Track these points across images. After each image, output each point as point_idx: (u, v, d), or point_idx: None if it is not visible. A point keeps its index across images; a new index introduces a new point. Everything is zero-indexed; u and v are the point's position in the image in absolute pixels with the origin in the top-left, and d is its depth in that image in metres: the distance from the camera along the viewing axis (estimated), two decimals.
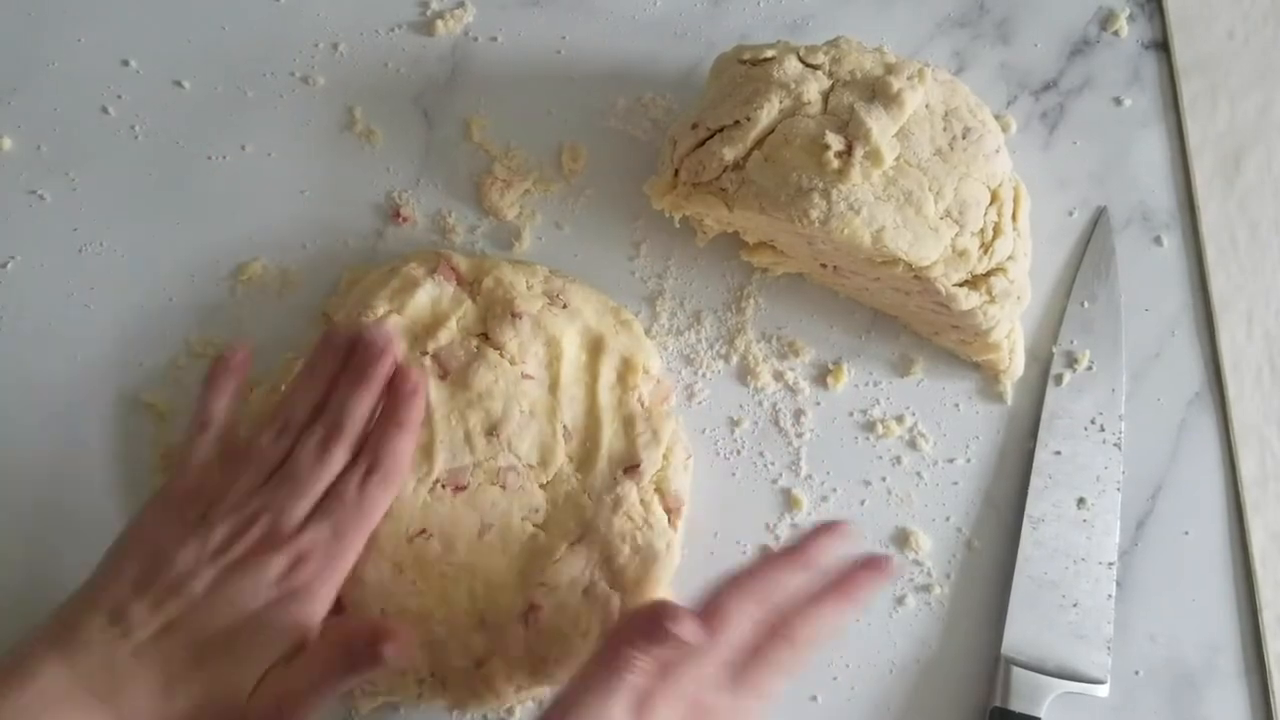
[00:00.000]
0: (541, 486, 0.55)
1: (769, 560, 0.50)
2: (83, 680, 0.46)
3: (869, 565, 0.50)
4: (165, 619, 0.47)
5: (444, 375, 0.56)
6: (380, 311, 0.56)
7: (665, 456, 0.56)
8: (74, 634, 0.47)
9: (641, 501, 0.55)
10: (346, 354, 0.52)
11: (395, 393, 0.52)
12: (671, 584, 0.55)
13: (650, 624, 0.46)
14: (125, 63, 0.62)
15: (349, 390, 0.51)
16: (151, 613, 0.47)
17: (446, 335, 0.56)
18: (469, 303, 0.57)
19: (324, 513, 0.49)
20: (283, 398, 0.53)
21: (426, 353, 0.56)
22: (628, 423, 0.56)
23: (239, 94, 0.62)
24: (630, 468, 0.55)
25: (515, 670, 0.53)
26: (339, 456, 0.50)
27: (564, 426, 0.56)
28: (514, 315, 0.56)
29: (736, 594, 0.48)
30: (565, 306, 0.57)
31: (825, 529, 0.50)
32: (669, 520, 0.55)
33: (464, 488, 0.54)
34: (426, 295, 0.57)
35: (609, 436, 0.56)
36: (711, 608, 0.47)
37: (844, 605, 0.49)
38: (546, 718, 0.46)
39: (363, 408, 0.51)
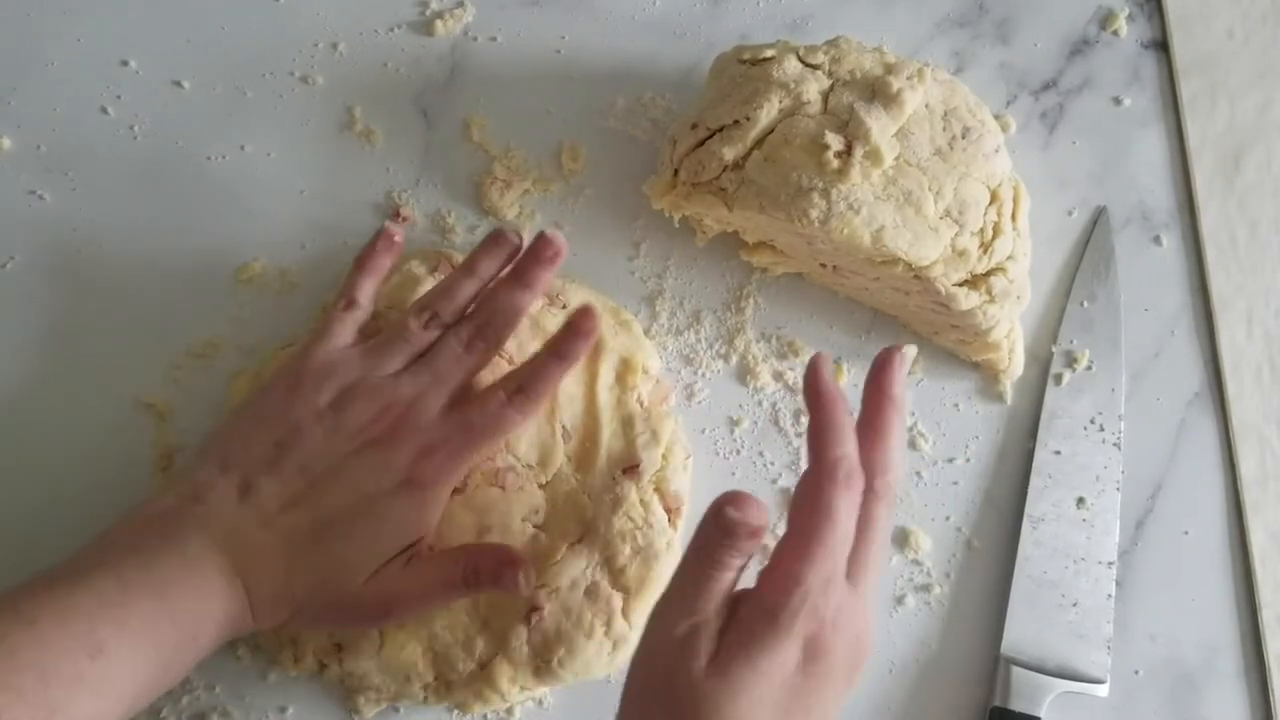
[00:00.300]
0: (541, 487, 0.55)
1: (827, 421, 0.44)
2: (219, 546, 0.46)
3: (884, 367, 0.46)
4: (293, 494, 0.47)
5: None
6: (380, 303, 0.56)
7: (664, 457, 0.56)
8: (206, 506, 0.47)
9: (641, 501, 0.55)
10: (512, 255, 0.53)
11: (569, 326, 0.52)
12: None
13: (718, 523, 0.42)
14: (125, 63, 0.62)
15: (509, 291, 0.52)
16: (281, 487, 0.47)
17: None
18: None
19: (461, 413, 0.50)
20: (436, 288, 0.53)
21: None
22: (626, 423, 0.56)
23: (238, 94, 0.62)
24: (629, 468, 0.55)
25: (519, 671, 0.53)
26: (484, 355, 0.51)
27: (563, 427, 0.56)
28: None
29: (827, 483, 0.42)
30: (564, 306, 0.57)
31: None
32: (669, 520, 0.55)
33: (460, 490, 0.54)
34: (424, 289, 0.56)
35: (608, 437, 0.56)
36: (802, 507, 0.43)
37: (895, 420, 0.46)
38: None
39: (519, 311, 0.52)
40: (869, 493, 0.44)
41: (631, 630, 0.53)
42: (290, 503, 0.47)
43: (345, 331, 0.52)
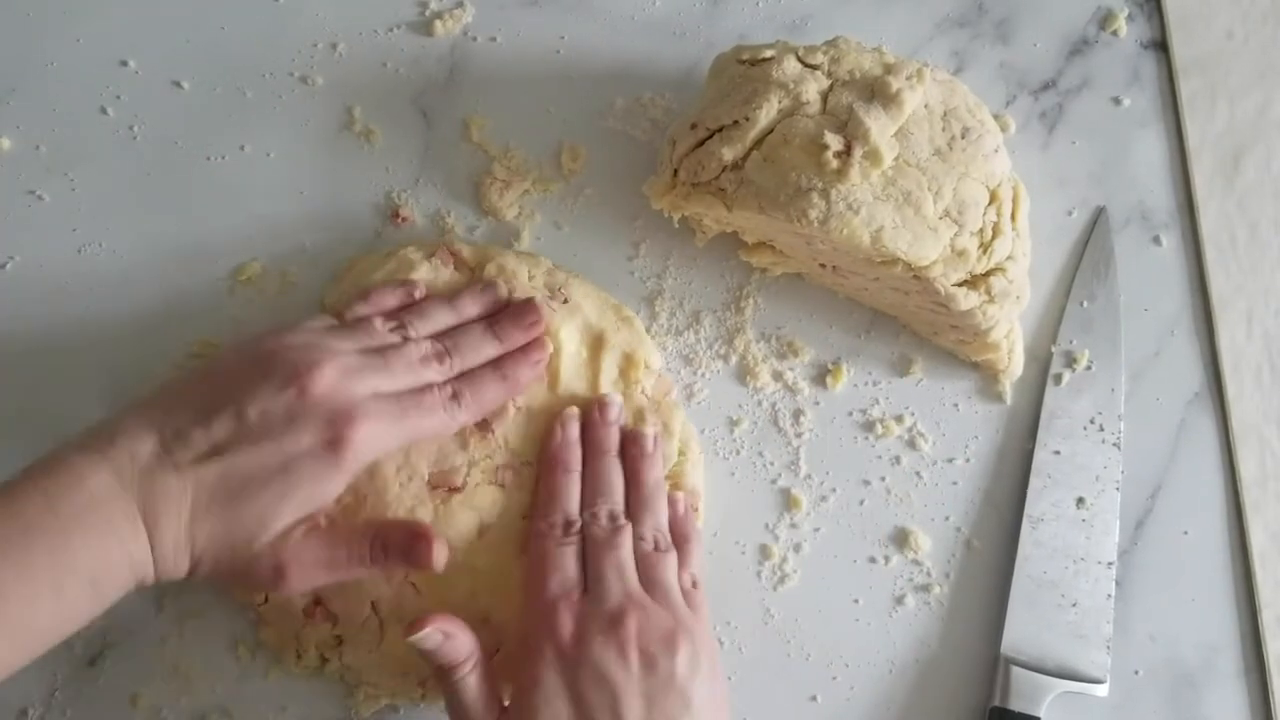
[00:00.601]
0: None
1: None
2: (125, 488, 0.45)
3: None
4: (215, 442, 0.47)
5: None
6: None
7: (681, 452, 0.56)
8: (120, 447, 0.46)
9: None
10: (495, 308, 0.55)
11: (520, 351, 0.54)
12: None
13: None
14: (124, 63, 0.62)
15: (481, 335, 0.54)
16: (204, 434, 0.47)
17: None
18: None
19: (396, 398, 0.50)
20: (414, 305, 0.54)
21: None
22: (637, 416, 0.56)
23: (238, 94, 0.62)
24: None
25: None
26: (437, 376, 0.52)
27: None
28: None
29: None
30: (566, 301, 0.57)
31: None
32: None
33: (459, 489, 0.54)
34: (421, 277, 0.56)
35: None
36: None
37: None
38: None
39: (484, 356, 0.53)
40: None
41: None
42: (209, 453, 0.46)
43: (316, 321, 0.53)
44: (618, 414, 0.55)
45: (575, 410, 0.55)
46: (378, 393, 0.49)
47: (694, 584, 0.52)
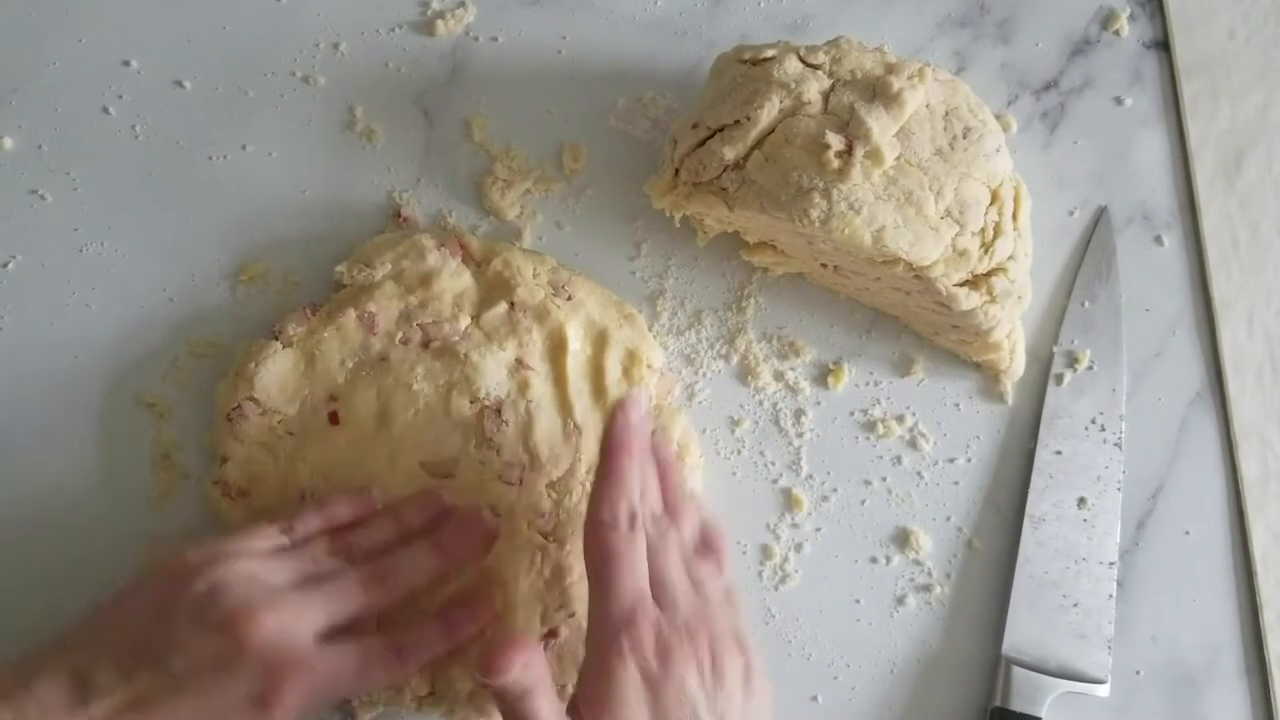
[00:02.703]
0: (548, 486, 0.55)
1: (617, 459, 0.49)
2: None
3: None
4: (131, 695, 0.43)
5: (427, 343, 0.55)
6: (380, 271, 0.56)
7: (680, 457, 0.56)
8: (32, 693, 0.43)
9: None
10: (441, 516, 0.52)
11: (466, 609, 0.52)
12: None
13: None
14: (126, 63, 0.62)
15: (424, 553, 0.50)
16: (124, 688, 0.43)
17: (439, 308, 0.56)
18: (472, 283, 0.57)
19: (335, 647, 0.46)
20: (356, 521, 0.51)
21: (418, 323, 0.56)
22: None
23: (240, 94, 0.62)
24: None
25: None
26: (378, 601, 0.48)
27: (573, 423, 0.55)
28: (510, 304, 0.56)
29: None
30: (570, 298, 0.57)
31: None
32: None
33: (450, 476, 0.54)
34: (428, 265, 0.57)
35: None
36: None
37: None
38: None
39: (427, 574, 0.50)
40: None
41: None
42: (127, 705, 0.43)
43: (251, 541, 0.49)
44: (647, 411, 0.51)
45: (639, 393, 0.52)
46: (316, 635, 0.46)
47: (730, 588, 0.51)
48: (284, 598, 0.46)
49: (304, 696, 0.45)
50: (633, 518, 0.48)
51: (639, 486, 0.49)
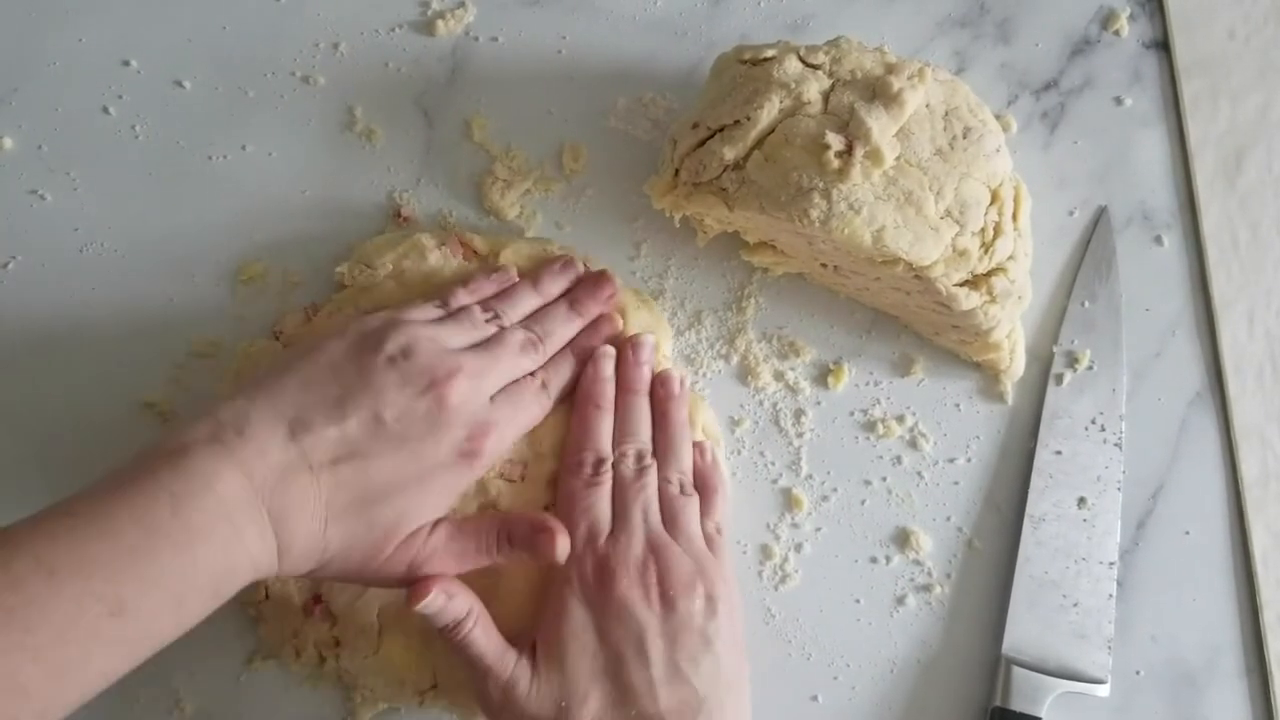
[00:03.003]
0: (551, 481, 0.54)
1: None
2: (260, 493, 0.44)
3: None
4: (351, 445, 0.46)
5: None
6: (381, 271, 0.56)
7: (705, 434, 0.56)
8: (248, 440, 0.44)
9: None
10: (575, 281, 0.57)
11: (593, 330, 0.56)
12: None
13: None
14: (126, 63, 0.62)
15: (567, 316, 0.55)
16: (340, 434, 0.46)
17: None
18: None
19: (507, 397, 0.51)
20: (503, 292, 0.55)
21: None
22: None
23: (239, 94, 0.62)
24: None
25: None
26: (537, 360, 0.53)
27: None
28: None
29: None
30: None
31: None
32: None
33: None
34: (430, 264, 0.56)
35: None
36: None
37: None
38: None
39: (570, 333, 0.55)
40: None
41: None
42: (345, 455, 0.45)
43: (426, 309, 0.53)
44: (649, 354, 0.56)
45: (610, 348, 0.55)
46: (494, 393, 0.51)
47: (718, 530, 0.54)
48: (467, 359, 0.50)
49: (497, 447, 0.50)
50: (598, 463, 0.53)
51: (608, 434, 0.54)
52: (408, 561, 0.47)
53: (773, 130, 0.53)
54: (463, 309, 0.53)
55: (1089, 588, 0.57)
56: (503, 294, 0.55)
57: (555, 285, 0.56)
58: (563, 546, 0.49)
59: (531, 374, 0.53)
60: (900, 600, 0.57)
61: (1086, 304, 0.60)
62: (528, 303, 0.55)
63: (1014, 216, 0.55)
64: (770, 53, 0.55)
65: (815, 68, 0.54)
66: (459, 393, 0.48)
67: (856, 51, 0.55)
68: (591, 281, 0.57)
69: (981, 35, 0.64)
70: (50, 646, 0.38)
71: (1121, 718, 0.56)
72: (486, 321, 0.53)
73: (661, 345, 0.57)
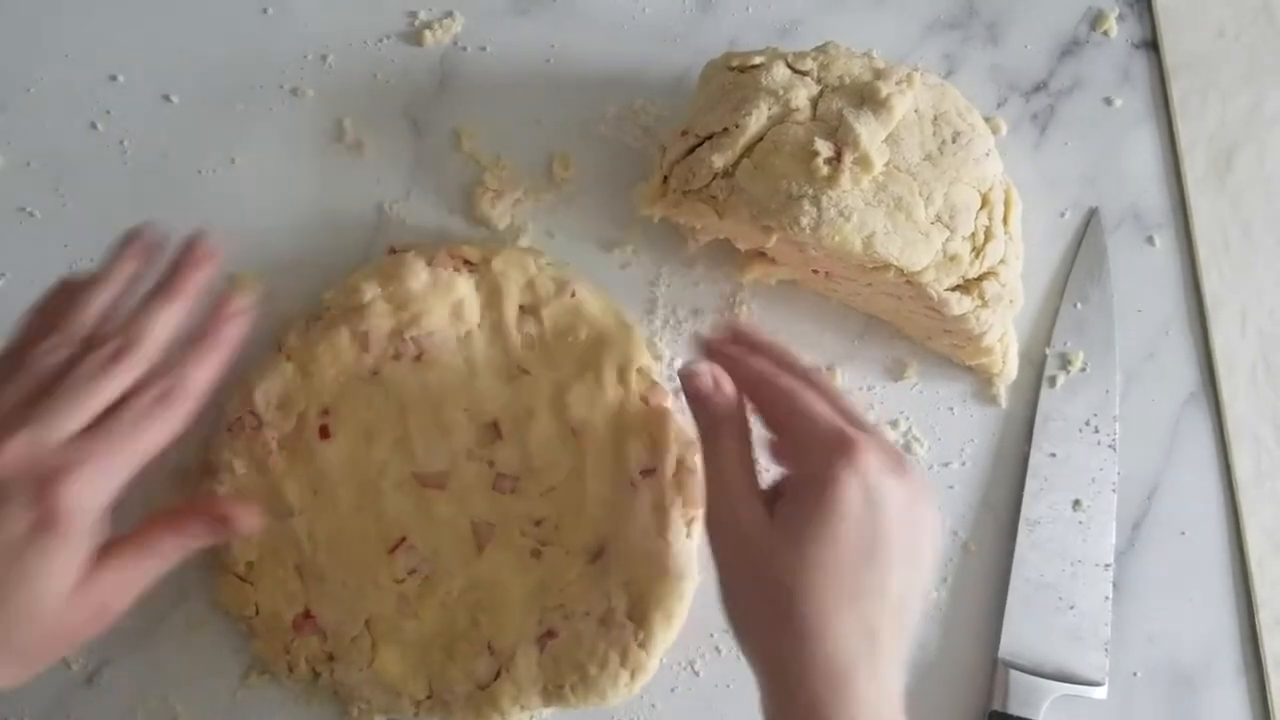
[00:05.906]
0: (544, 493, 0.55)
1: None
2: None
3: None
4: None
5: (419, 356, 0.55)
6: (368, 294, 0.56)
7: (679, 460, 0.56)
8: None
9: (659, 508, 0.54)
10: (153, 258, 0.47)
11: (214, 312, 0.47)
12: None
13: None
14: (113, 77, 0.62)
15: (156, 302, 0.46)
16: None
17: (431, 321, 0.55)
18: (471, 290, 0.56)
19: (97, 426, 0.43)
20: (69, 304, 0.46)
21: (410, 336, 0.55)
22: (639, 423, 0.55)
23: (227, 107, 0.62)
24: (646, 470, 0.54)
25: (524, 693, 0.52)
26: (128, 375, 0.44)
27: (570, 429, 0.55)
28: (520, 308, 0.56)
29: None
30: (574, 294, 0.57)
31: None
32: (686, 531, 0.55)
33: (442, 487, 0.53)
34: (418, 281, 0.56)
35: (619, 438, 0.55)
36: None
37: None
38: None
39: (169, 323, 0.46)
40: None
41: (650, 658, 0.53)
42: None
43: None
44: (706, 370, 0.49)
45: (696, 367, 0.49)
46: (71, 434, 0.42)
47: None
48: (31, 415, 0.42)
49: (88, 490, 0.42)
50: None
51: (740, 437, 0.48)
52: (84, 613, 0.42)
53: (761, 137, 0.53)
54: (17, 353, 0.45)
55: (1085, 590, 0.57)
56: (63, 308, 0.46)
57: (130, 267, 0.47)
58: (247, 517, 0.45)
59: (142, 387, 0.44)
60: None
61: (1079, 306, 0.60)
62: (97, 304, 0.46)
63: (1004, 220, 0.55)
64: (758, 59, 0.55)
65: (803, 74, 0.54)
66: (6, 455, 0.40)
67: (845, 57, 0.55)
68: (181, 253, 0.48)
69: (970, 38, 0.64)
70: None
71: (1119, 719, 0.56)
72: (54, 348, 0.44)
73: (645, 366, 0.56)
